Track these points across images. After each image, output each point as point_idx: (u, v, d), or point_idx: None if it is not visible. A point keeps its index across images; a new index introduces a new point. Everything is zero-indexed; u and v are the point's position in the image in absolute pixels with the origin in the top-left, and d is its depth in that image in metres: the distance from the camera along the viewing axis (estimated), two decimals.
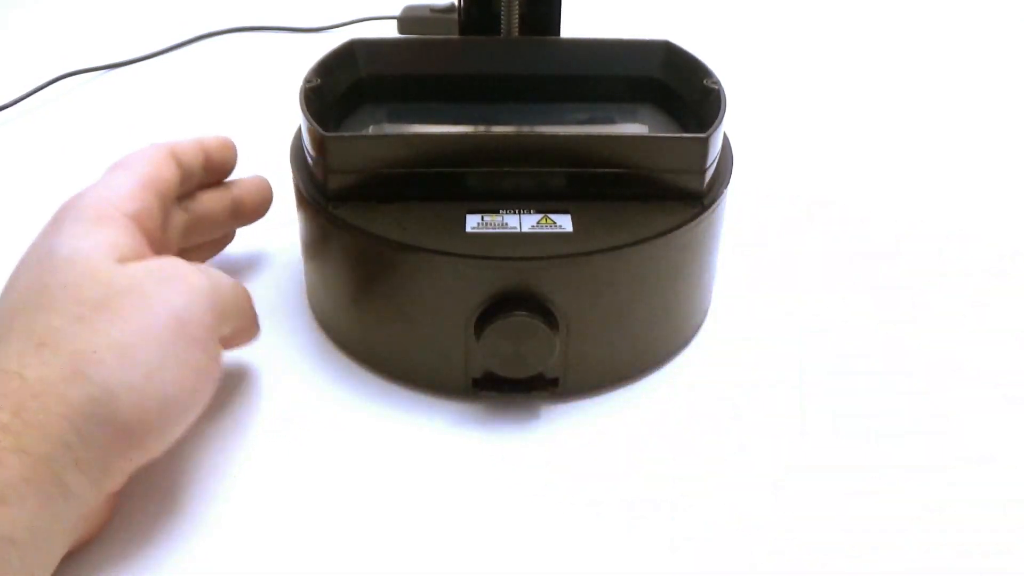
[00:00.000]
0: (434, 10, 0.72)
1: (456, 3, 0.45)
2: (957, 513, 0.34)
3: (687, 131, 0.41)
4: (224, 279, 0.34)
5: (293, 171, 0.39)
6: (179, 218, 0.39)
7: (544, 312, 0.35)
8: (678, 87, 0.43)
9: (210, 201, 0.41)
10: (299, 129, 0.40)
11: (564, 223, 0.36)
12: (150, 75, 0.67)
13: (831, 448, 0.36)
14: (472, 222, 0.36)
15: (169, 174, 0.37)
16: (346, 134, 0.40)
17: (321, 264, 0.39)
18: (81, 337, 0.29)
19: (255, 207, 0.43)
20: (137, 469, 0.30)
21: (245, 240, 0.46)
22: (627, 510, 0.34)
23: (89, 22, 0.76)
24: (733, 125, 0.40)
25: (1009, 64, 0.71)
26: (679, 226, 0.36)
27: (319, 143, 0.36)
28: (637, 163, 0.37)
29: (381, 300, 0.37)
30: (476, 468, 0.35)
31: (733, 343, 0.41)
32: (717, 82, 0.40)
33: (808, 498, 0.34)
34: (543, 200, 0.37)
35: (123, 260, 0.31)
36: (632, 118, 0.44)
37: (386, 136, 0.40)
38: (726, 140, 0.40)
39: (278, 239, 0.46)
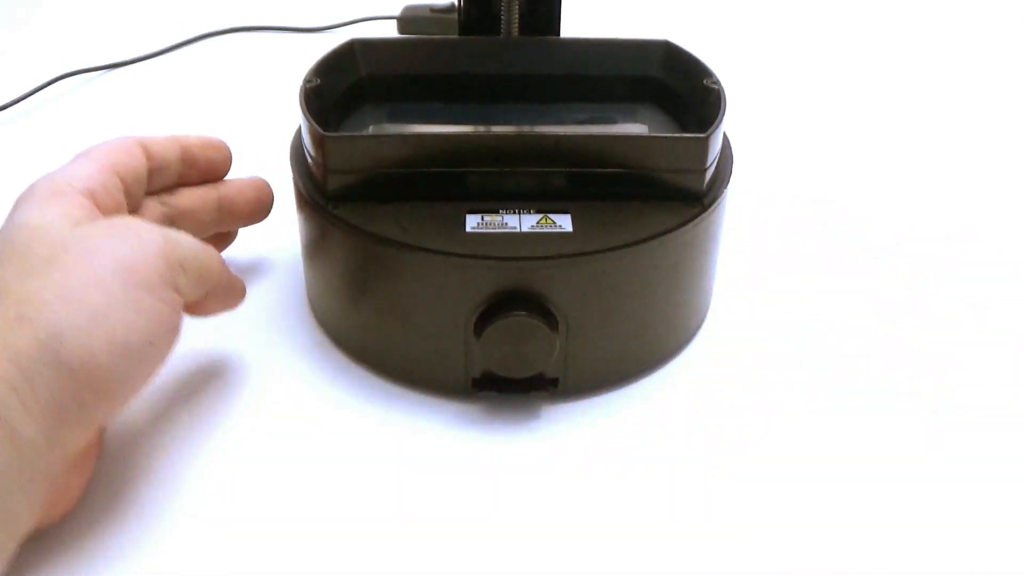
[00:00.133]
0: (434, 10, 0.72)
1: (456, 3, 0.45)
2: (957, 513, 0.34)
3: (687, 131, 0.41)
4: (187, 239, 0.34)
5: (293, 171, 0.39)
6: (155, 211, 0.39)
7: (544, 312, 0.35)
8: (678, 87, 0.43)
9: (193, 198, 0.40)
10: (299, 129, 0.40)
11: (564, 223, 0.36)
12: (150, 75, 0.67)
13: (831, 448, 0.36)
14: (472, 222, 0.36)
15: (133, 160, 0.37)
16: (346, 134, 0.40)
17: (321, 264, 0.39)
18: (27, 286, 0.29)
19: (248, 207, 0.42)
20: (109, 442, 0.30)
21: (245, 240, 0.46)
22: (627, 510, 0.34)
23: (89, 22, 0.76)
24: (733, 125, 0.40)
25: (1009, 64, 0.71)
26: (679, 226, 0.36)
27: (319, 143, 0.36)
28: (637, 163, 0.37)
29: (381, 300, 0.37)
30: (476, 468, 0.35)
31: (733, 343, 0.41)
32: (717, 82, 0.40)
33: (808, 498, 0.34)
34: (543, 200, 0.37)
35: (75, 226, 0.32)
36: (632, 118, 0.44)
37: (386, 136, 0.40)
38: (726, 140, 0.40)
39: (278, 239, 0.46)
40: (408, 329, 0.37)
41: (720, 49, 0.47)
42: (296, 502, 0.34)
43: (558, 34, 0.45)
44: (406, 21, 0.72)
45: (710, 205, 0.37)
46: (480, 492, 0.34)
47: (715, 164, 0.38)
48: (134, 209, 0.37)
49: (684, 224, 0.36)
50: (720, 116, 0.38)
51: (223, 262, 0.36)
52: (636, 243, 0.35)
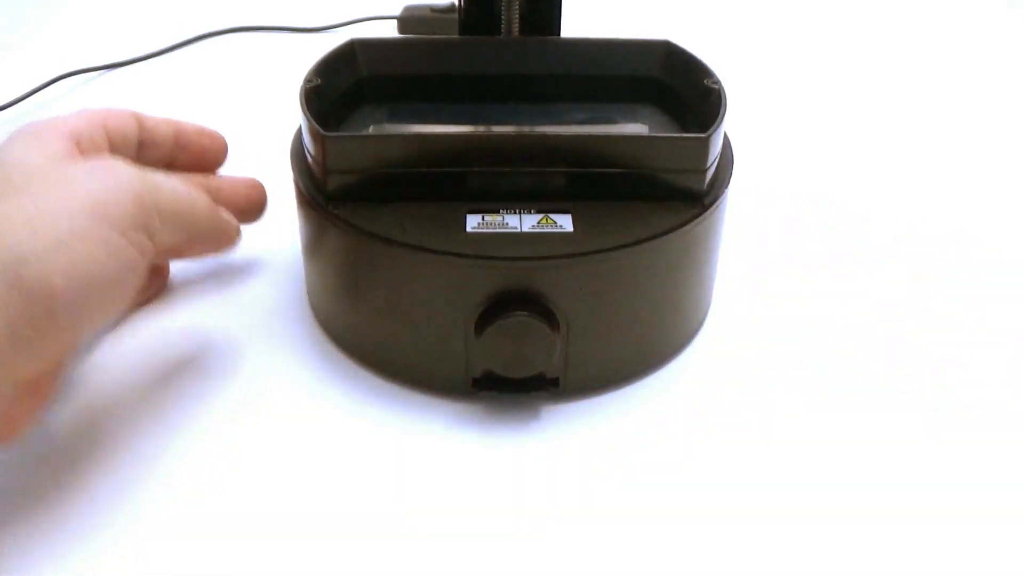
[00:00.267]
0: (434, 10, 0.72)
1: (456, 3, 0.45)
2: (957, 512, 0.34)
3: (687, 131, 0.41)
4: (169, 183, 0.34)
5: (293, 171, 0.39)
6: None
7: (544, 312, 0.35)
8: (678, 87, 0.43)
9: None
10: (299, 129, 0.40)
11: (564, 223, 0.36)
12: (150, 75, 0.67)
13: (832, 447, 0.36)
14: (472, 222, 0.36)
15: (124, 125, 0.37)
16: (346, 134, 0.40)
17: (321, 264, 0.39)
18: None
19: (238, 202, 0.42)
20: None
21: (245, 240, 0.46)
22: (627, 510, 0.34)
23: (89, 22, 0.76)
24: (733, 125, 0.40)
25: (1008, 64, 0.71)
26: (679, 226, 0.36)
27: (319, 143, 0.36)
28: (637, 163, 0.37)
29: (381, 300, 0.37)
30: (476, 468, 0.35)
31: (733, 343, 0.41)
32: (717, 82, 0.40)
33: (809, 498, 0.34)
34: (543, 200, 0.37)
35: (57, 162, 0.33)
36: (632, 118, 0.44)
37: (386, 136, 0.40)
38: (726, 140, 0.40)
39: (278, 239, 0.46)
40: (408, 329, 0.37)
41: (720, 49, 0.47)
42: (296, 502, 0.34)
43: (558, 34, 0.45)
44: (406, 21, 0.72)
45: (710, 205, 0.37)
46: (480, 492, 0.34)
47: (715, 164, 0.38)
48: None
49: (684, 224, 0.36)
50: (720, 116, 0.38)
51: (211, 207, 0.36)
52: (636, 243, 0.35)
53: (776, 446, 0.36)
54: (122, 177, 0.32)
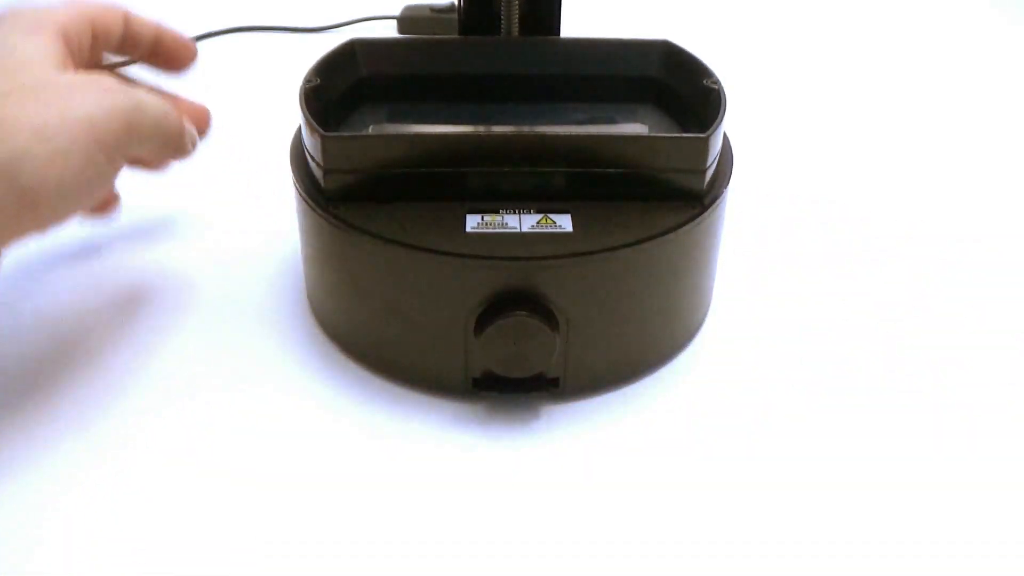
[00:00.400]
0: (434, 10, 0.72)
1: (456, 3, 0.45)
2: (957, 512, 0.34)
3: (687, 131, 0.41)
4: (153, 107, 0.37)
5: (293, 171, 0.39)
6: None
7: (544, 312, 0.35)
8: (678, 87, 0.43)
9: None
10: (299, 129, 0.40)
11: (564, 223, 0.36)
12: (150, 75, 0.67)
13: (832, 447, 0.36)
14: (472, 222, 0.36)
15: (110, 23, 0.40)
16: (346, 134, 0.40)
17: (321, 264, 0.39)
18: (4, 108, 0.32)
19: (190, 116, 0.42)
20: None
21: (245, 240, 0.46)
22: (627, 510, 0.34)
23: None
24: (733, 125, 0.40)
25: (1008, 64, 0.71)
26: (679, 226, 0.36)
27: (319, 143, 0.36)
28: (637, 163, 0.37)
29: (381, 300, 0.37)
30: (476, 468, 0.35)
31: (733, 343, 0.41)
32: (717, 82, 0.40)
33: (809, 497, 0.34)
34: (543, 200, 0.37)
35: (57, 68, 0.35)
36: (632, 118, 0.44)
37: (386, 136, 0.40)
38: (726, 140, 0.40)
39: (278, 239, 0.46)
40: (408, 329, 0.37)
41: (720, 49, 0.47)
42: (295, 502, 0.34)
43: (558, 34, 0.45)
44: (406, 21, 0.72)
45: (710, 205, 0.37)
46: (480, 492, 0.34)
47: (715, 164, 0.38)
48: (93, 61, 0.40)
49: (684, 224, 0.36)
50: (720, 116, 0.38)
51: (180, 122, 0.39)
52: (636, 243, 0.35)
53: (776, 446, 0.36)
54: (117, 100, 0.35)
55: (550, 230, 0.35)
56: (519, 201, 0.37)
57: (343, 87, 0.42)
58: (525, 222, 0.36)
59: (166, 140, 0.38)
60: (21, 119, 0.32)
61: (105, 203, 0.44)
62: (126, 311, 0.42)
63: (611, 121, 0.44)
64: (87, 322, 0.42)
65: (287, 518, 0.33)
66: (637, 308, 0.37)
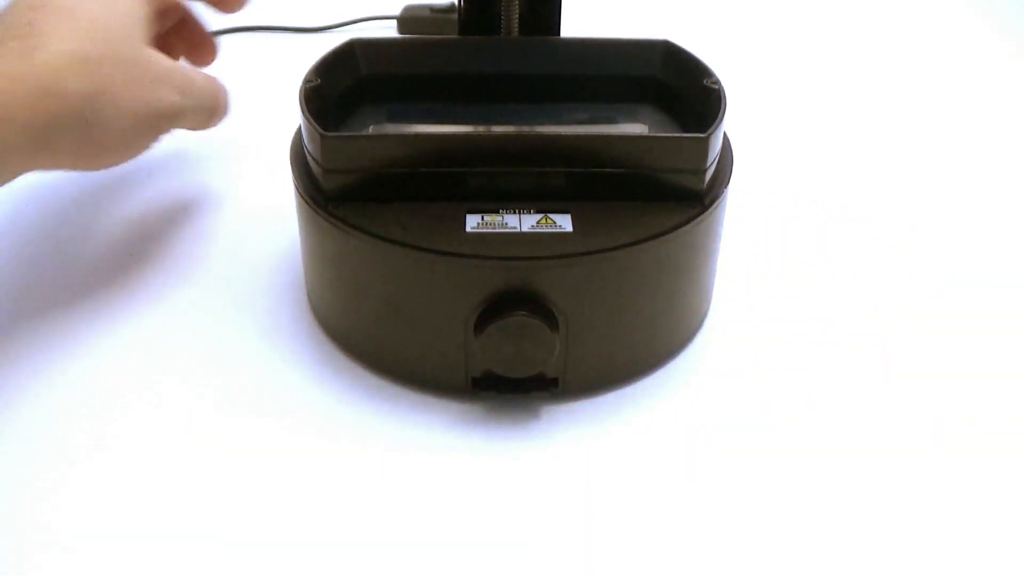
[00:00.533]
0: (434, 10, 0.72)
1: (456, 3, 0.45)
2: (958, 513, 0.34)
3: (687, 131, 0.41)
4: (200, 87, 0.43)
5: (293, 171, 0.39)
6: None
7: (544, 312, 0.35)
8: (678, 87, 0.43)
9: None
10: (299, 129, 0.40)
11: (564, 223, 0.36)
12: None
13: (832, 447, 0.36)
14: (472, 222, 0.36)
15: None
16: (346, 134, 0.40)
17: (321, 264, 0.39)
18: (98, 76, 0.37)
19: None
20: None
21: (245, 240, 0.46)
22: (627, 510, 0.34)
23: None
24: (733, 125, 0.40)
25: (1008, 64, 0.71)
26: (679, 226, 0.36)
27: (319, 143, 0.36)
28: (637, 163, 0.37)
29: (381, 300, 0.37)
30: (476, 468, 0.35)
31: (733, 343, 0.41)
32: (717, 82, 0.40)
33: (809, 498, 0.34)
34: (543, 200, 0.37)
35: (144, 40, 0.40)
36: (632, 118, 0.44)
37: (386, 136, 0.40)
38: (726, 140, 0.40)
39: (278, 239, 0.46)
40: (408, 329, 0.37)
41: (720, 49, 0.47)
42: (295, 501, 0.34)
43: (558, 34, 0.45)
44: (406, 21, 0.72)
45: (710, 205, 0.37)
46: (480, 492, 0.34)
47: (715, 164, 0.38)
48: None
49: (684, 224, 0.36)
50: (720, 116, 0.38)
51: (222, 100, 0.45)
52: (636, 243, 0.35)
53: (776, 446, 0.36)
54: (172, 96, 0.40)
55: (550, 230, 0.35)
56: (519, 201, 0.37)
57: (343, 87, 0.42)
58: (525, 222, 0.36)
59: (209, 115, 0.44)
60: (105, 82, 0.37)
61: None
62: (126, 311, 0.42)
63: (611, 121, 0.44)
64: (87, 322, 0.42)
65: (287, 518, 0.33)
66: (637, 308, 0.37)
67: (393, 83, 0.44)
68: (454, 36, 0.45)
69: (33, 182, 0.45)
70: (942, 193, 0.53)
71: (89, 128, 0.37)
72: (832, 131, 0.60)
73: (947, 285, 0.45)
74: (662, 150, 0.37)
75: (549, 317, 0.35)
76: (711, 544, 0.33)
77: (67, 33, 0.36)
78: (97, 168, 0.40)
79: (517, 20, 0.44)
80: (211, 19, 0.75)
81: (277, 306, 0.43)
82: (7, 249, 0.45)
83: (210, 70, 0.68)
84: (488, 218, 0.36)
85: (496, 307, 0.35)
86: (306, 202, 0.38)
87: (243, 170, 0.44)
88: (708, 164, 0.37)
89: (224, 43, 0.72)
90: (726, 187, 0.38)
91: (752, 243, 0.48)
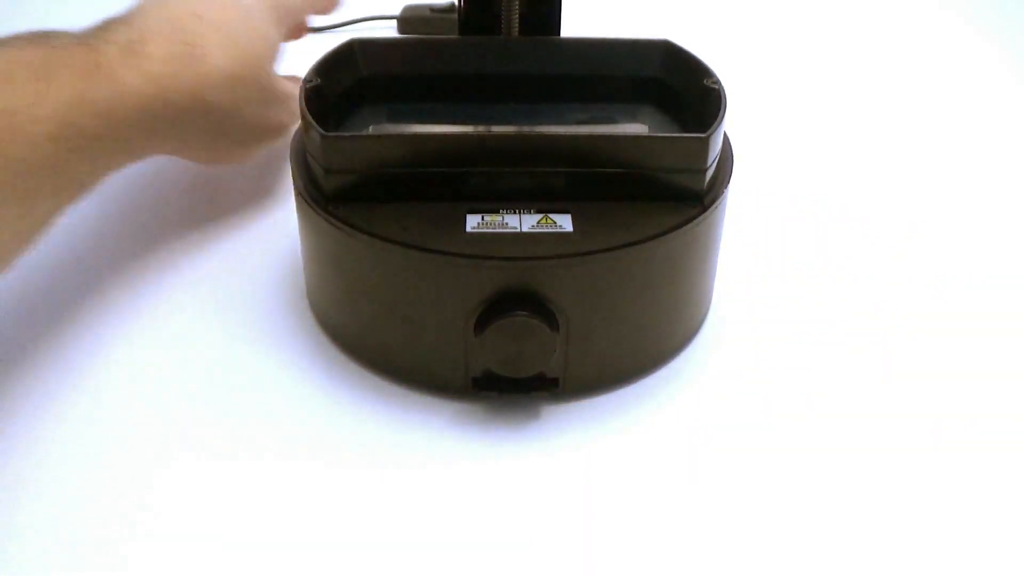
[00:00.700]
0: (434, 10, 0.71)
1: (456, 3, 0.45)
2: (958, 513, 0.34)
3: (687, 131, 0.41)
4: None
5: (293, 171, 0.39)
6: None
7: (544, 312, 0.35)
8: (678, 87, 0.43)
9: None
10: (299, 129, 0.40)
11: (564, 223, 0.36)
12: None
13: (832, 447, 0.36)
14: (472, 222, 0.36)
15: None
16: (346, 134, 0.40)
17: (321, 264, 0.39)
18: (221, 54, 0.41)
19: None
20: None
21: (246, 240, 0.46)
22: (627, 510, 0.34)
23: (90, 22, 0.76)
24: (733, 125, 0.40)
25: (1008, 64, 0.71)
26: (679, 226, 0.36)
27: (319, 143, 0.36)
28: (637, 163, 0.37)
29: (381, 300, 0.37)
30: (476, 468, 0.35)
31: (733, 343, 0.41)
32: (717, 82, 0.40)
33: (809, 498, 0.34)
34: (543, 200, 0.37)
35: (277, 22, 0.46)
36: (632, 118, 0.44)
37: (386, 136, 0.40)
38: (726, 140, 0.40)
39: (278, 239, 0.46)
40: (408, 329, 0.37)
41: (720, 49, 0.47)
42: (295, 501, 0.34)
43: (558, 34, 0.45)
44: (406, 21, 0.72)
45: (710, 205, 0.37)
46: (480, 492, 0.34)
47: (715, 164, 0.38)
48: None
49: (684, 224, 0.36)
50: (720, 116, 0.38)
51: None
52: (636, 243, 0.35)
53: (776, 446, 0.36)
54: (287, 90, 0.45)
55: (550, 230, 0.35)
56: (519, 201, 0.37)
57: (343, 87, 0.42)
58: (525, 222, 0.36)
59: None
60: (243, 108, 0.42)
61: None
62: (126, 311, 0.42)
63: (611, 121, 0.44)
64: (87, 321, 0.42)
65: (287, 517, 0.33)
66: (637, 308, 0.37)
67: (393, 83, 0.44)
68: (454, 36, 0.45)
69: None
70: (942, 194, 0.53)
71: (215, 136, 0.42)
72: (832, 131, 0.60)
73: (947, 286, 0.45)
74: (662, 150, 0.37)
75: (549, 317, 0.35)
76: (711, 544, 0.33)
77: (223, 52, 0.41)
78: (206, 163, 0.46)
79: (517, 20, 0.44)
80: None
81: (277, 306, 0.43)
82: None
83: None
84: (488, 218, 0.36)
85: (496, 307, 0.35)
86: (306, 202, 0.38)
87: (243, 170, 0.44)
88: (708, 164, 0.37)
89: None
90: (726, 187, 0.38)
91: (752, 243, 0.48)
